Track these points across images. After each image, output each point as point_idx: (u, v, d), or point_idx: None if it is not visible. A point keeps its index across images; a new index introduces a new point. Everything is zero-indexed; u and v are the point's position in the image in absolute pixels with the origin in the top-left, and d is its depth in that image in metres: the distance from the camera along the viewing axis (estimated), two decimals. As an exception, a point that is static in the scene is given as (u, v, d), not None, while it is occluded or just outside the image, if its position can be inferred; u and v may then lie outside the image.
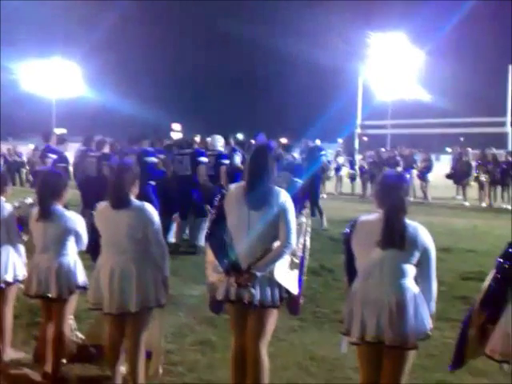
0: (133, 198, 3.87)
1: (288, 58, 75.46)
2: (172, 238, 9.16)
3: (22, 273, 4.44)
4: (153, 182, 8.85)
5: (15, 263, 4.43)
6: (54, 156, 9.85)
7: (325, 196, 17.65)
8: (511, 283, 2.98)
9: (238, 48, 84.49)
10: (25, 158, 22.31)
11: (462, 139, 49.81)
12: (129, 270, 3.76)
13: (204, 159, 9.08)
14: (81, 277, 4.18)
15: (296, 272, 3.64)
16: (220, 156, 9.48)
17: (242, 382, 3.61)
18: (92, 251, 4.13)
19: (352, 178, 20.36)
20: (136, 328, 3.85)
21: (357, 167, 20.39)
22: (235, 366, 3.62)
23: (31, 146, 22.45)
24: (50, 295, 4.10)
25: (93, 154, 9.94)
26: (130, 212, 3.80)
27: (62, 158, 10.15)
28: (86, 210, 7.78)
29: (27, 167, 20.84)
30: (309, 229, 3.79)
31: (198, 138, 14.50)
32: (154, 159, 9.13)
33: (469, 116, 46.66)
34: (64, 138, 12.05)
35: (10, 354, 4.55)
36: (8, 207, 4.46)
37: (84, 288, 4.18)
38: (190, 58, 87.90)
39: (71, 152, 12.41)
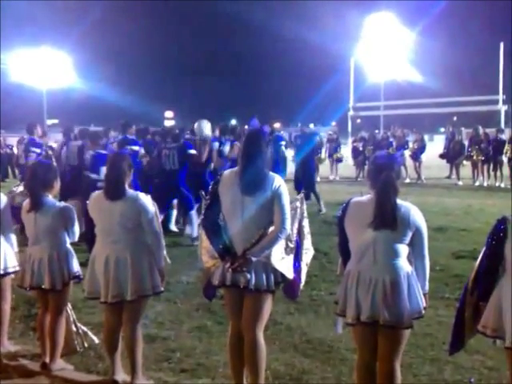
0: (127, 188, 3.87)
1: (280, 41, 75.09)
2: (173, 227, 9.18)
3: (13, 264, 4.41)
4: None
5: (6, 254, 4.40)
6: (38, 150, 9.78)
7: (318, 179, 17.62)
8: (501, 259, 3.01)
9: (229, 32, 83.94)
10: (15, 150, 22.14)
11: (454, 118, 49.85)
12: (124, 258, 3.78)
13: (192, 151, 9.02)
14: (74, 267, 4.18)
15: (291, 257, 3.65)
16: (212, 140, 9.48)
17: (239, 366, 3.64)
18: (87, 240, 4.13)
19: (337, 160, 20.05)
20: (133, 316, 3.87)
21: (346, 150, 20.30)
22: (232, 351, 3.65)
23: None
24: (43, 286, 4.11)
25: (74, 143, 9.88)
26: (124, 202, 3.80)
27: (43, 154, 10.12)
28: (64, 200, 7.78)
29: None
30: (305, 214, 3.79)
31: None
32: (136, 148, 9.08)
33: (461, 95, 46.62)
34: (45, 131, 11.98)
35: (7, 346, 4.55)
36: (1, 198, 4.41)
37: (78, 278, 4.19)
38: (182, 45, 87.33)
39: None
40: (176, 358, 4.39)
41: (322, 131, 20.43)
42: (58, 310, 4.17)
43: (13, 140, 23.62)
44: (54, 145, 13.06)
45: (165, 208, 8.91)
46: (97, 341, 4.51)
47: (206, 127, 9.56)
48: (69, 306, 4.40)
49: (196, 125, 9.79)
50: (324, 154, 18.64)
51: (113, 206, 3.80)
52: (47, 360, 4.17)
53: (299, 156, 12.00)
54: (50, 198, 4.18)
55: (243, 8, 71.05)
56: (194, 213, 8.54)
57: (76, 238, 4.24)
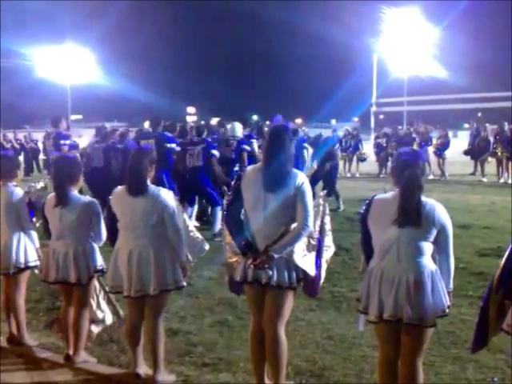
0: (149, 183, 3.89)
1: (302, 37, 74.79)
2: (194, 223, 9.26)
3: (34, 258, 4.48)
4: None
5: (26, 249, 4.45)
6: (68, 142, 9.83)
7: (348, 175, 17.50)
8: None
9: (251, 30, 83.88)
10: (40, 145, 22.42)
11: (479, 114, 49.14)
12: (146, 253, 3.80)
13: (215, 152, 9.15)
14: (99, 261, 4.22)
15: (313, 254, 3.63)
16: (241, 142, 9.61)
17: (261, 362, 3.65)
18: (109, 236, 4.16)
19: (361, 159, 19.78)
20: (155, 310, 3.90)
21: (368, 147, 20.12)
22: (254, 346, 3.66)
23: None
24: (69, 280, 4.15)
25: (98, 144, 9.93)
26: (146, 198, 3.82)
27: (75, 145, 10.20)
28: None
29: (43, 156, 20.88)
30: (327, 211, 3.77)
31: (214, 122, 14.54)
32: (173, 145, 9.20)
33: (486, 91, 45.96)
34: (68, 125, 12.08)
35: (28, 340, 4.60)
36: (18, 192, 4.46)
37: (102, 272, 4.23)
38: (205, 41, 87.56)
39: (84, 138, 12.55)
40: (198, 352, 4.42)
41: (344, 127, 20.27)
42: (82, 303, 4.22)
43: (37, 135, 23.89)
44: (78, 139, 13.22)
45: (192, 202, 9.09)
46: (122, 312, 4.43)
47: (238, 129, 9.78)
48: (97, 288, 4.37)
49: (230, 126, 10.01)
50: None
51: (135, 202, 3.82)
52: (71, 352, 4.23)
53: (318, 160, 12.00)
54: (75, 192, 4.23)
55: (264, 5, 70.98)
56: (219, 208, 8.68)
57: (103, 237, 4.19)
